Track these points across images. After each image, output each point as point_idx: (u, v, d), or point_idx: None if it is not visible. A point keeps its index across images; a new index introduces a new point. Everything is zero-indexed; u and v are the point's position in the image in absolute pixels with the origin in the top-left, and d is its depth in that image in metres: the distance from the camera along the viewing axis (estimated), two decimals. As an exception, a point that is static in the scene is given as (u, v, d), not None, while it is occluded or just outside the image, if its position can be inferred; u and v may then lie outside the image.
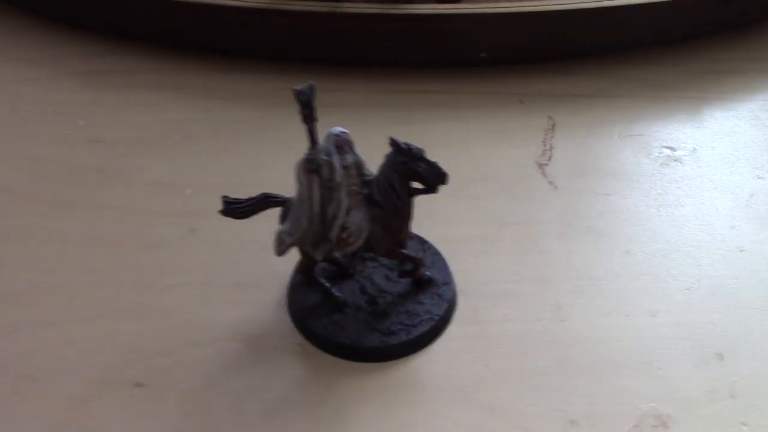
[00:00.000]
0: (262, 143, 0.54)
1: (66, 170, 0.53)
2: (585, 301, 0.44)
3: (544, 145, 0.54)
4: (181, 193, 0.51)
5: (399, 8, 0.57)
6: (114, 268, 0.46)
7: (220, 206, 0.39)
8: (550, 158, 0.53)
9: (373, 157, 0.39)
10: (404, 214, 0.39)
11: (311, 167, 0.36)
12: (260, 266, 0.45)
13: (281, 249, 0.39)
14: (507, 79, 0.60)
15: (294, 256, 0.41)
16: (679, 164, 0.53)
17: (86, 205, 0.50)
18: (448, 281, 0.44)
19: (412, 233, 0.44)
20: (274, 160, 0.39)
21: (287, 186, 0.38)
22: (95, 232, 0.49)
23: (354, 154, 0.38)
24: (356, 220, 0.38)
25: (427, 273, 0.43)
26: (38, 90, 0.60)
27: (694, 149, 0.54)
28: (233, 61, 0.61)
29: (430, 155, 0.38)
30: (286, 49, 0.60)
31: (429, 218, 0.46)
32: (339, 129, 0.37)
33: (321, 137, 0.37)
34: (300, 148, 0.37)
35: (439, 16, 0.57)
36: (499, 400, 0.39)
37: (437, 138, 0.54)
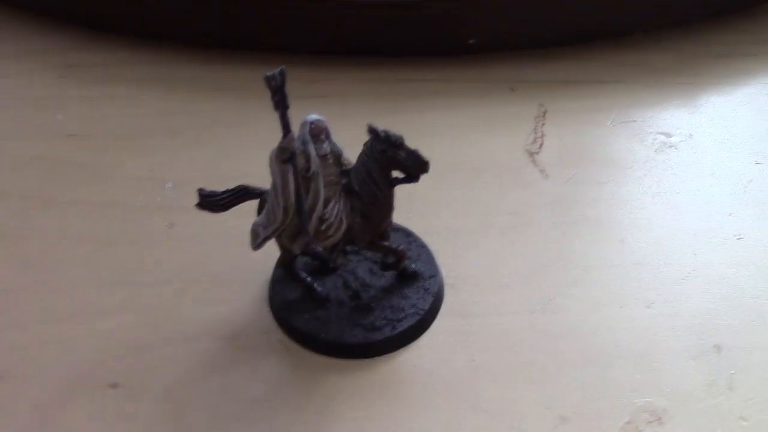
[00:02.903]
0: (244, 135, 0.53)
1: (44, 165, 0.52)
2: (577, 292, 0.43)
3: (535, 133, 0.53)
4: (161, 188, 0.50)
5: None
6: (89, 265, 0.45)
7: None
8: (541, 146, 0.52)
9: (360, 148, 0.37)
10: (384, 204, 0.38)
11: (285, 156, 0.34)
12: (241, 261, 0.44)
13: (257, 243, 0.37)
14: (497, 67, 0.58)
15: (277, 250, 0.39)
16: (675, 150, 0.52)
17: (64, 201, 0.49)
18: (435, 274, 0.42)
19: (397, 225, 0.42)
20: (257, 151, 0.38)
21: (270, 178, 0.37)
22: (72, 228, 0.47)
23: (331, 142, 0.36)
24: (335, 212, 0.37)
25: (413, 266, 0.42)
26: (15, 84, 0.58)
27: (690, 135, 0.53)
28: (214, 52, 0.60)
29: (418, 144, 0.36)
30: (269, 39, 0.58)
31: (414, 209, 0.44)
32: (314, 116, 0.35)
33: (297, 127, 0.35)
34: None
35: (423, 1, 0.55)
36: (487, 396, 0.38)
37: (425, 127, 0.53)
